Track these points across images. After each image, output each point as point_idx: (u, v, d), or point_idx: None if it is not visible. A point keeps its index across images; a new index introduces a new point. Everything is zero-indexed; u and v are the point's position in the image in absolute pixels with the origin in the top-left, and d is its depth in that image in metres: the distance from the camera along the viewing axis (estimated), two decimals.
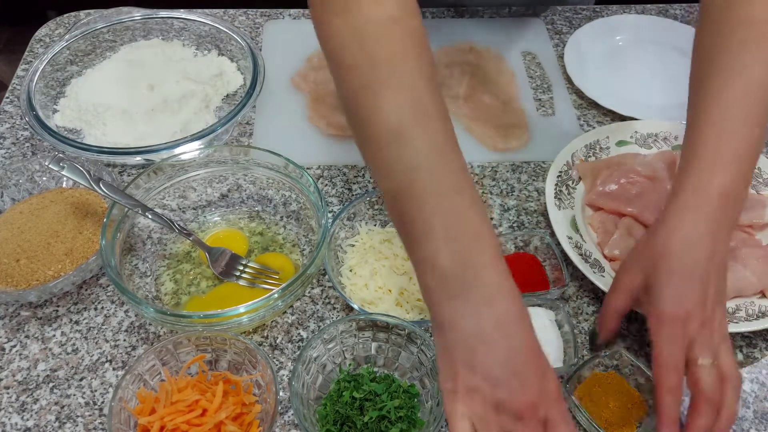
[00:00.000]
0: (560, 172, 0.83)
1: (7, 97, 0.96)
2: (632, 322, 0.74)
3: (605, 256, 0.77)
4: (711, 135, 0.59)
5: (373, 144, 0.56)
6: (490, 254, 0.52)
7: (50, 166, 0.72)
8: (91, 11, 1.06)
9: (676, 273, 0.57)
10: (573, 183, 0.84)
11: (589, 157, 0.86)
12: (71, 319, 0.73)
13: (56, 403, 0.67)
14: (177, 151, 0.82)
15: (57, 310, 0.74)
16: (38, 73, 0.91)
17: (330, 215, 0.79)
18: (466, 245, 0.52)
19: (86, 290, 0.75)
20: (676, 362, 0.56)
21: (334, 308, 0.75)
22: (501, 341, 0.51)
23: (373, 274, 0.73)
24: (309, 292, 0.76)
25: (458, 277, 0.52)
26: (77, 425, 0.65)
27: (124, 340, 0.72)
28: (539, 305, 0.71)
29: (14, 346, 0.71)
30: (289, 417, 0.66)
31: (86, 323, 0.73)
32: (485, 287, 0.52)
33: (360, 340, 0.67)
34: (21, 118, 0.93)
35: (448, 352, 0.53)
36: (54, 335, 0.72)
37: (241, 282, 0.75)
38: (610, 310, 0.64)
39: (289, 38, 1.06)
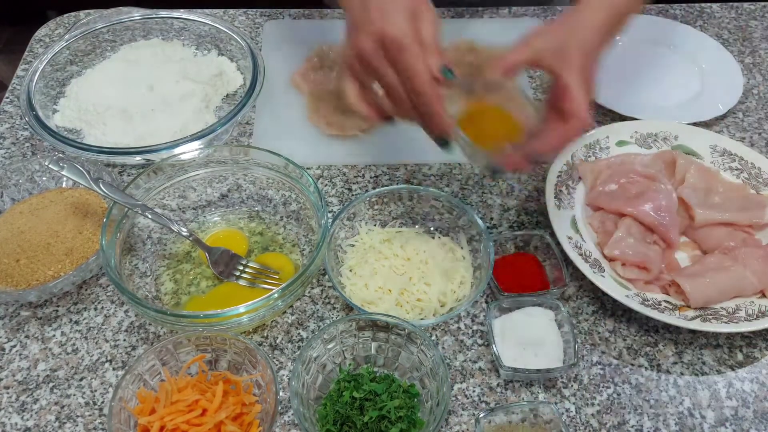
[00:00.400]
0: (560, 172, 0.83)
1: (7, 97, 0.96)
2: (632, 323, 0.74)
3: (605, 256, 0.77)
4: None
5: None
6: None
7: (50, 166, 0.72)
8: (91, 11, 1.06)
9: (584, 49, 0.67)
10: (573, 183, 0.84)
11: (589, 157, 0.86)
12: (71, 319, 0.73)
13: (56, 403, 0.67)
14: (177, 151, 0.82)
15: (57, 310, 0.74)
16: (38, 73, 0.91)
17: (330, 215, 0.79)
18: None
19: (86, 290, 0.76)
20: (586, 105, 0.66)
21: (334, 308, 0.75)
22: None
23: (373, 274, 0.73)
24: (309, 292, 0.76)
25: None
26: (77, 425, 0.65)
27: (124, 340, 0.72)
28: (539, 305, 0.71)
29: (14, 346, 0.71)
30: (289, 417, 0.66)
31: (86, 323, 0.73)
32: None
33: (360, 340, 0.67)
34: (21, 118, 0.93)
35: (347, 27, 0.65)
36: (54, 335, 0.72)
37: (241, 282, 0.75)
38: (513, 58, 0.68)
39: (288, 38, 1.06)
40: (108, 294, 0.75)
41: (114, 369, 0.69)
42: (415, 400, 0.64)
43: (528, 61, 0.68)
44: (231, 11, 1.10)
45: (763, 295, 0.73)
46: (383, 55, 0.61)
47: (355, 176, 0.88)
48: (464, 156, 0.70)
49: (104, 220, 0.70)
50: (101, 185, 0.71)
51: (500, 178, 0.83)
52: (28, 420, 0.66)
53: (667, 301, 0.73)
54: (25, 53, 1.03)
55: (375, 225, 0.79)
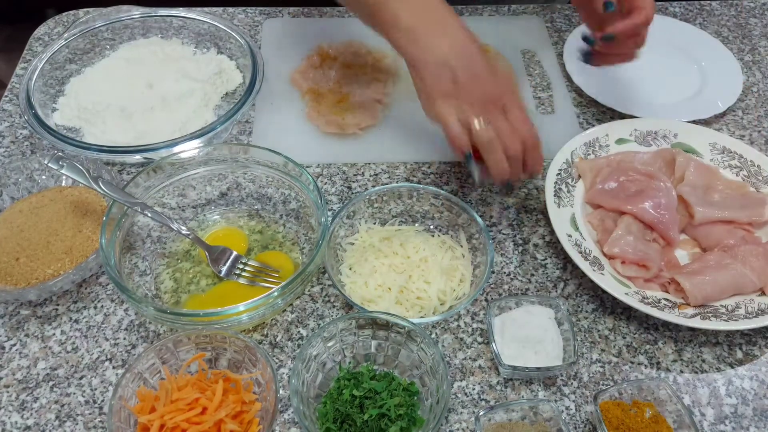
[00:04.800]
0: (560, 170, 0.83)
1: (6, 96, 0.96)
2: (631, 320, 0.74)
3: (605, 254, 0.77)
4: None
5: None
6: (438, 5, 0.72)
7: (49, 164, 0.72)
8: (90, 9, 1.06)
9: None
10: (572, 181, 0.84)
11: (589, 154, 0.86)
12: (71, 318, 0.73)
13: (56, 402, 0.67)
14: (176, 149, 0.82)
15: (57, 309, 0.74)
16: (37, 72, 0.91)
17: (329, 213, 0.79)
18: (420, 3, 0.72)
19: (86, 289, 0.76)
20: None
21: (334, 306, 0.75)
22: (459, 61, 0.70)
23: (373, 272, 0.73)
24: (309, 291, 0.76)
25: (418, 26, 0.71)
26: (77, 424, 0.65)
27: (124, 339, 0.72)
28: (539, 303, 0.71)
29: (14, 344, 0.71)
30: (289, 415, 0.66)
31: (86, 322, 0.73)
32: (439, 25, 0.71)
33: (360, 338, 0.68)
34: (20, 117, 0.93)
35: (422, 81, 0.72)
36: (54, 334, 0.72)
37: (241, 280, 0.75)
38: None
39: (288, 36, 1.05)
40: (108, 292, 0.75)
41: (114, 367, 0.69)
42: (415, 398, 0.64)
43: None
44: (230, 9, 1.10)
45: (763, 293, 0.74)
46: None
47: (354, 174, 0.88)
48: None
49: (104, 218, 0.70)
50: (101, 184, 0.71)
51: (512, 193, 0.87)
52: (28, 419, 0.66)
53: (666, 299, 0.73)
54: (25, 52, 1.03)
55: (375, 223, 0.79)
